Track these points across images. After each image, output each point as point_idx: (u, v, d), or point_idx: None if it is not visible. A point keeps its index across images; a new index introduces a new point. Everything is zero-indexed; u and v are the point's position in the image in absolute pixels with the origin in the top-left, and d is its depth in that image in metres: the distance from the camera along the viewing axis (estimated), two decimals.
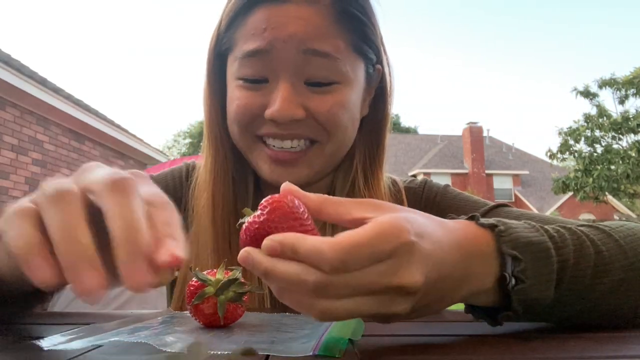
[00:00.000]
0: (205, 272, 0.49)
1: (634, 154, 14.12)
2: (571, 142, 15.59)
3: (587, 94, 15.34)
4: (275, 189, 0.40)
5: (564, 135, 15.68)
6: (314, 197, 0.39)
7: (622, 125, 14.57)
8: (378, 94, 0.76)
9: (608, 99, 24.20)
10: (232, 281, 0.48)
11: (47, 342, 0.38)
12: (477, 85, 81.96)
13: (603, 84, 15.10)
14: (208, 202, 0.72)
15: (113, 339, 0.39)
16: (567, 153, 15.70)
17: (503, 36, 77.80)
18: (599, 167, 14.52)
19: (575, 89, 15.51)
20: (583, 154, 15.23)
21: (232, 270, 0.49)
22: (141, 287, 0.31)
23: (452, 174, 25.95)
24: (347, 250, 0.33)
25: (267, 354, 0.35)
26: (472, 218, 0.45)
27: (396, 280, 0.34)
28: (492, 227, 0.43)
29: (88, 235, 0.32)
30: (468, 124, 27.59)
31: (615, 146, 15.05)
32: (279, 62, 0.64)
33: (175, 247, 0.32)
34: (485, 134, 28.50)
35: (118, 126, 7.61)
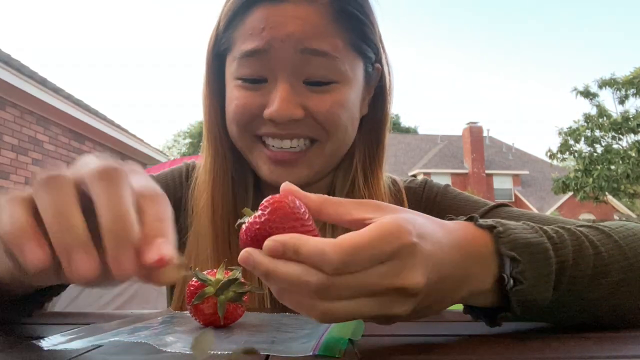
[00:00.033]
0: (205, 272, 0.49)
1: (634, 154, 14.12)
2: (571, 142, 15.59)
3: (587, 94, 15.34)
4: (275, 189, 0.40)
5: (564, 135, 15.68)
6: (314, 198, 0.39)
7: (622, 125, 14.57)
8: (377, 93, 0.75)
9: (608, 99, 24.21)
10: (232, 281, 0.48)
11: (47, 342, 0.38)
12: (477, 85, 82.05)
13: (603, 84, 15.10)
14: (207, 202, 0.72)
15: (113, 339, 0.39)
16: (567, 153, 15.70)
17: (503, 36, 77.86)
18: (599, 167, 14.52)
19: (575, 89, 15.51)
20: (583, 154, 15.23)
21: (232, 270, 0.49)
22: (127, 276, 0.31)
23: (452, 174, 25.95)
24: (349, 251, 0.33)
25: (267, 354, 0.35)
26: (471, 219, 0.45)
27: (398, 281, 0.34)
28: (490, 228, 0.43)
29: (80, 219, 0.32)
30: (468, 124, 27.58)
31: (615, 146, 15.05)
32: (277, 62, 0.64)
33: (165, 247, 0.32)
34: (485, 134, 28.50)
35: (118, 126, 7.61)
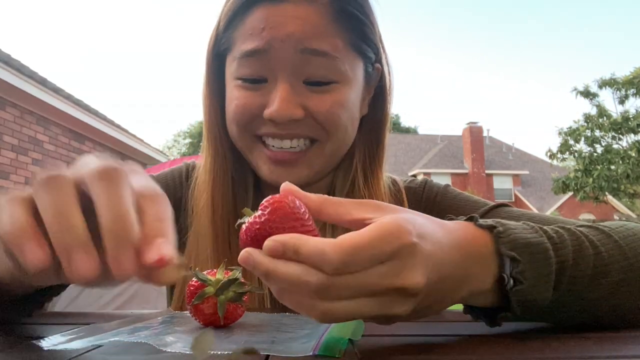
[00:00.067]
0: (205, 272, 0.49)
1: (634, 154, 14.12)
2: (571, 142, 15.59)
3: (587, 94, 15.34)
4: (275, 189, 0.40)
5: (564, 135, 15.68)
6: (314, 198, 0.39)
7: (622, 125, 14.57)
8: (377, 93, 0.75)
9: (608, 99, 24.20)
10: (232, 281, 0.48)
11: (47, 342, 0.38)
12: (477, 85, 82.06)
13: (603, 84, 15.10)
14: (207, 203, 0.72)
15: (113, 339, 0.39)
16: (567, 153, 15.70)
17: (503, 36, 77.87)
18: (599, 167, 14.52)
19: (575, 89, 15.51)
20: (583, 154, 15.23)
21: (232, 270, 0.49)
22: (127, 276, 0.32)
23: (452, 174, 25.95)
24: (349, 251, 0.33)
25: (267, 354, 0.35)
26: (470, 219, 0.45)
27: (398, 281, 0.34)
28: (490, 228, 0.43)
29: (80, 219, 0.32)
30: (468, 124, 27.59)
31: (615, 146, 15.05)
32: (277, 62, 0.64)
33: (165, 247, 0.32)
34: (485, 134, 28.50)
35: (118, 126, 7.61)
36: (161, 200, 0.35)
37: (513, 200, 25.80)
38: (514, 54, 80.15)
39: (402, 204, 0.75)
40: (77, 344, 0.38)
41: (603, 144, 15.24)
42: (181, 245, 0.58)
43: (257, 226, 0.36)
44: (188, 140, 42.55)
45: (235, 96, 0.68)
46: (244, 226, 0.37)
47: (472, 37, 78.42)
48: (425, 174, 23.77)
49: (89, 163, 0.34)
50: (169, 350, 0.36)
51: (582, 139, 15.36)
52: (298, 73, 0.65)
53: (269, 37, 0.63)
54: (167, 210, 0.35)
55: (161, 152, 9.75)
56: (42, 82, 5.83)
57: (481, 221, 0.43)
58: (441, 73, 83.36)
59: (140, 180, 0.36)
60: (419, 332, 0.46)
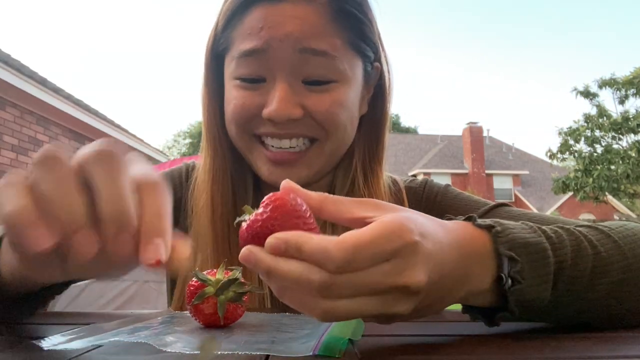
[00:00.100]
0: (205, 272, 0.49)
1: (634, 154, 14.12)
2: (571, 142, 15.59)
3: (587, 94, 15.33)
4: (275, 189, 0.40)
5: (564, 135, 15.68)
6: (314, 196, 0.39)
7: (622, 125, 14.56)
8: (377, 92, 0.75)
9: (608, 99, 24.17)
10: (232, 281, 0.48)
11: (47, 342, 0.38)
12: (477, 85, 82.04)
13: (603, 84, 15.10)
14: (207, 203, 0.72)
15: (113, 339, 0.39)
16: (567, 153, 15.70)
17: (503, 36, 77.85)
18: (599, 167, 14.52)
19: (575, 89, 15.51)
20: (583, 154, 15.23)
21: (232, 270, 0.49)
22: (126, 259, 0.33)
23: (452, 174, 25.95)
24: (352, 249, 0.33)
25: (267, 354, 0.35)
26: (469, 219, 0.45)
27: (401, 279, 0.34)
28: (489, 228, 0.43)
29: (79, 200, 0.32)
30: (468, 124, 27.58)
31: (615, 146, 15.05)
32: (275, 62, 0.64)
33: (162, 248, 0.33)
34: (485, 134, 28.49)
35: (118, 126, 7.61)
36: (161, 189, 0.35)
37: (513, 200, 25.79)
38: (514, 54, 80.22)
39: (402, 204, 0.75)
40: (77, 344, 0.38)
41: (603, 144, 15.24)
42: None
43: (259, 223, 0.36)
44: (188, 140, 42.53)
45: (233, 96, 0.68)
46: (244, 224, 0.37)
47: (472, 37, 78.46)
48: (425, 174, 23.77)
49: (87, 146, 0.35)
50: (169, 350, 0.36)
51: (582, 139, 15.36)
52: (297, 72, 0.65)
53: (268, 37, 0.63)
54: (166, 200, 0.35)
55: (161, 152, 9.75)
56: (42, 82, 5.83)
57: (479, 221, 0.43)
58: (441, 73, 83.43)
59: (141, 168, 0.36)
60: (419, 332, 0.46)
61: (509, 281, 0.41)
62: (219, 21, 0.69)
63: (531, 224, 0.46)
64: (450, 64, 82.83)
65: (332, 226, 0.69)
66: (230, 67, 0.68)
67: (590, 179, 14.41)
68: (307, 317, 0.51)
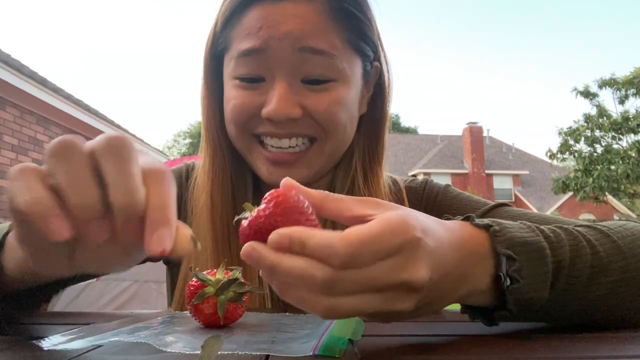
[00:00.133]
0: (205, 272, 0.49)
1: (634, 154, 14.12)
2: (571, 142, 15.59)
3: (587, 94, 15.34)
4: (275, 188, 0.40)
5: (564, 135, 15.68)
6: (315, 193, 0.39)
7: (622, 125, 14.57)
8: (376, 92, 0.75)
9: (608, 99, 24.23)
10: (232, 281, 0.48)
11: (47, 342, 0.38)
12: (477, 85, 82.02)
13: (603, 84, 15.10)
14: (207, 203, 0.72)
15: (113, 339, 0.39)
16: (567, 153, 15.71)
17: (503, 36, 77.83)
18: (599, 167, 14.52)
19: (575, 89, 15.51)
20: (583, 154, 15.23)
21: (232, 270, 0.49)
22: (132, 250, 0.35)
23: (452, 174, 25.94)
24: (358, 244, 0.33)
25: (267, 354, 0.35)
26: (467, 219, 0.45)
27: (404, 275, 0.34)
28: (486, 227, 0.43)
29: (96, 191, 0.33)
30: (468, 124, 27.57)
31: (615, 146, 15.05)
32: (274, 61, 0.64)
33: (167, 239, 0.33)
34: (485, 134, 28.48)
35: (118, 126, 7.61)
36: (166, 178, 0.36)
37: (513, 200, 25.79)
38: (514, 54, 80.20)
39: (402, 204, 0.75)
40: (77, 344, 0.38)
41: (603, 144, 15.24)
42: None
43: (262, 219, 0.35)
44: (188, 140, 42.51)
45: (233, 96, 0.67)
46: (244, 221, 0.37)
47: (472, 37, 78.44)
48: (425, 174, 23.77)
49: (99, 137, 0.36)
50: (169, 350, 0.36)
51: (582, 139, 15.36)
52: (296, 72, 0.65)
53: (266, 36, 0.63)
54: (171, 189, 0.36)
55: (161, 152, 9.76)
56: (42, 82, 5.82)
57: (477, 220, 0.44)
58: (441, 73, 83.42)
59: (146, 158, 0.37)
60: (419, 332, 0.46)
61: (508, 280, 0.41)
62: (218, 21, 0.69)
63: (529, 223, 0.46)
64: (450, 64, 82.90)
65: (332, 225, 0.69)
66: (229, 67, 0.68)
67: (590, 179, 14.41)
68: (307, 317, 0.51)
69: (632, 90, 14.66)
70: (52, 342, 0.38)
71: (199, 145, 0.77)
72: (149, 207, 0.34)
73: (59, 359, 0.36)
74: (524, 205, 23.83)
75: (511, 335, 0.45)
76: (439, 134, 30.91)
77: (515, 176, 27.39)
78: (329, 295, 0.33)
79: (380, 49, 0.73)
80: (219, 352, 0.35)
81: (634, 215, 23.62)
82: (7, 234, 0.49)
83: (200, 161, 0.76)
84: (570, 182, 14.95)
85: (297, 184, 0.39)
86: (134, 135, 8.10)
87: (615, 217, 23.00)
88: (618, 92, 15.01)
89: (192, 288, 0.48)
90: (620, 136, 14.97)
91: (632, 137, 14.78)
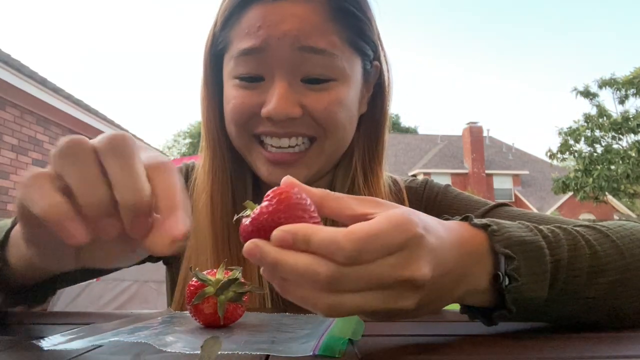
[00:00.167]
0: (205, 272, 0.49)
1: (634, 154, 14.12)
2: (571, 142, 15.60)
3: (587, 94, 15.34)
4: None
5: (564, 135, 15.68)
6: (316, 192, 0.39)
7: (622, 125, 14.57)
8: (376, 91, 0.75)
9: (608, 99, 24.22)
10: (232, 281, 0.48)
11: (47, 342, 0.38)
12: (477, 85, 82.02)
13: (603, 84, 15.11)
14: (206, 203, 0.72)
15: (113, 339, 0.39)
16: (567, 153, 15.71)
17: (503, 36, 77.82)
18: (599, 167, 14.52)
19: (575, 89, 15.51)
20: (583, 154, 15.24)
21: (232, 270, 0.49)
22: (142, 238, 0.35)
23: (452, 174, 25.95)
24: (362, 240, 0.32)
25: (267, 354, 0.35)
26: (466, 218, 0.45)
27: (407, 272, 0.34)
28: (485, 227, 0.43)
29: (107, 191, 0.34)
30: (468, 124, 27.58)
31: (615, 146, 15.05)
32: (274, 60, 0.64)
33: (178, 227, 0.34)
34: (485, 134, 28.48)
35: (118, 126, 7.60)
36: (169, 168, 0.37)
37: (513, 200, 25.79)
38: (514, 54, 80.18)
39: (403, 203, 0.75)
40: (77, 344, 0.38)
41: (603, 144, 15.24)
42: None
43: (265, 216, 0.35)
44: (188, 140, 42.49)
45: (232, 95, 0.67)
46: (245, 220, 0.36)
47: (472, 37, 78.42)
48: (425, 174, 23.77)
49: (100, 136, 0.36)
50: (169, 350, 0.36)
51: (582, 139, 15.37)
52: (295, 71, 0.65)
53: (266, 36, 0.63)
54: (176, 178, 0.37)
55: (161, 152, 9.76)
56: (42, 82, 5.82)
57: (476, 220, 0.44)
58: (441, 73, 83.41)
59: (148, 153, 0.38)
60: (419, 332, 0.46)
61: (506, 279, 0.41)
62: (218, 21, 0.69)
63: (528, 223, 0.46)
64: (450, 64, 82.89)
65: (332, 223, 0.69)
66: (229, 67, 0.68)
67: (590, 179, 14.41)
68: (307, 317, 0.51)
69: (632, 90, 14.66)
70: (52, 342, 0.38)
71: (199, 145, 0.77)
72: (158, 198, 0.35)
73: (59, 359, 0.36)
74: (524, 205, 23.83)
75: (511, 335, 0.45)
76: (439, 134, 30.91)
77: (515, 176, 27.39)
78: (331, 293, 0.33)
79: (380, 48, 0.73)
80: (219, 352, 0.35)
81: (634, 215, 23.62)
82: (9, 230, 0.49)
83: (200, 161, 0.76)
84: (570, 182, 14.95)
85: (298, 182, 0.38)
86: (134, 135, 8.10)
87: (615, 217, 23.00)
88: (618, 92, 15.01)
89: (192, 288, 0.48)
90: (620, 136, 14.97)
91: (632, 137, 14.79)
